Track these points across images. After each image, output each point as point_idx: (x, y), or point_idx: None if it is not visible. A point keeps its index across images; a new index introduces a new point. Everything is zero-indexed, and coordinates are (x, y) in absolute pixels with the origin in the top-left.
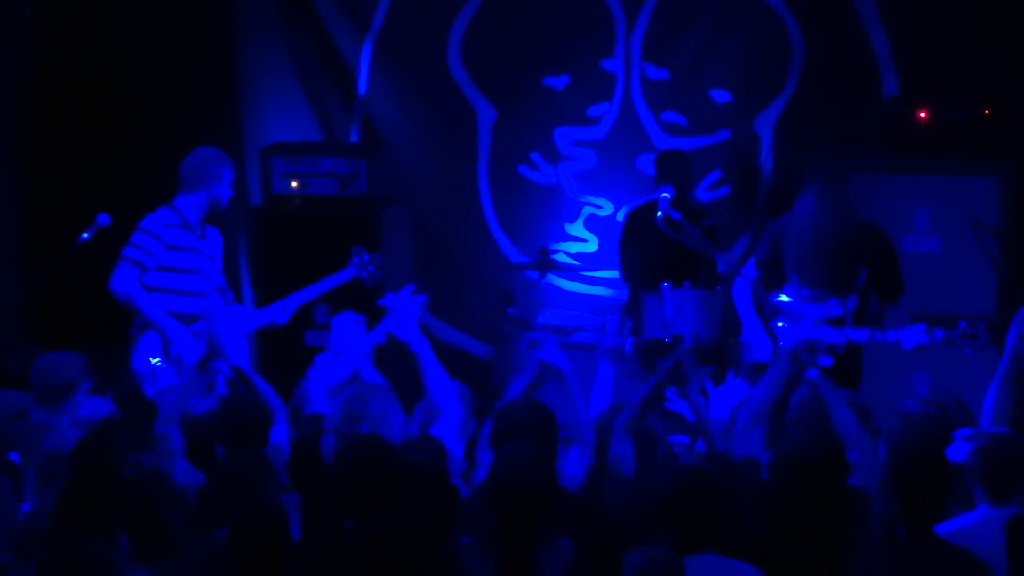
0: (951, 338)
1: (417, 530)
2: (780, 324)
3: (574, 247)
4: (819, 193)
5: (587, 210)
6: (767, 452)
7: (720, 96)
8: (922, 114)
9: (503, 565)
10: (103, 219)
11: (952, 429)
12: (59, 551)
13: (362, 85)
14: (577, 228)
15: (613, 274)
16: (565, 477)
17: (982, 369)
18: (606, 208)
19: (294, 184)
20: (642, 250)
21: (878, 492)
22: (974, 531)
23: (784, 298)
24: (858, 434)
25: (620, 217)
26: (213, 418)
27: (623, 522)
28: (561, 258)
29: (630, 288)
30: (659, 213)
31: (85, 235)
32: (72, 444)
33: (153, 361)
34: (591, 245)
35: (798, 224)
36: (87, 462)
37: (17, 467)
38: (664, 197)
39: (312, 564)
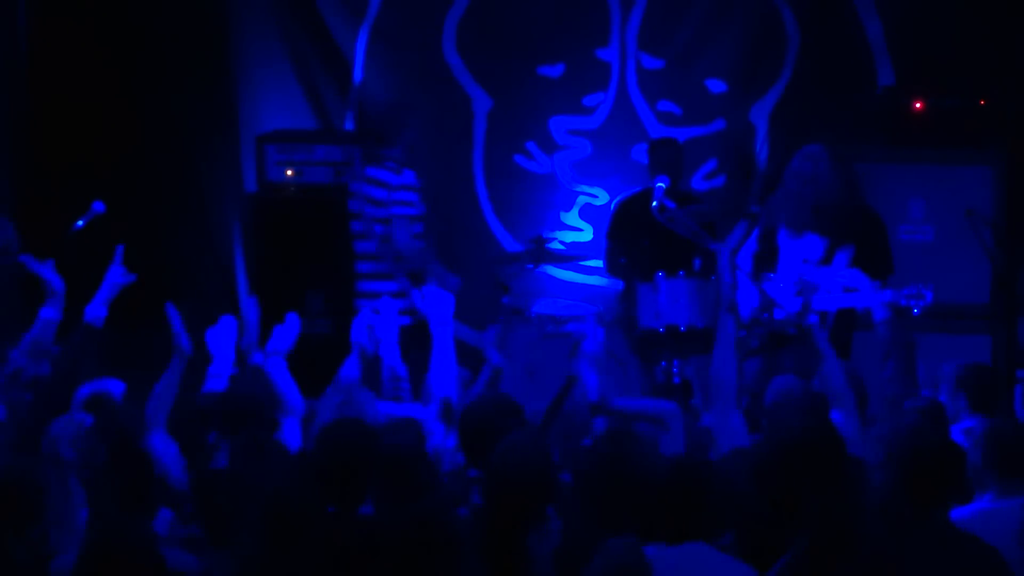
0: (897, 299)
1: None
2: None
3: (569, 236)
4: (822, 150)
5: (582, 199)
6: (751, 437)
7: (715, 86)
8: (917, 104)
9: (492, 547)
10: (98, 207)
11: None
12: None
13: (357, 73)
14: (572, 217)
15: None
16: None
17: (972, 355)
18: (601, 197)
19: (289, 172)
20: (631, 241)
21: (877, 463)
22: (980, 520)
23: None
24: (844, 390)
25: (612, 207)
26: (212, 406)
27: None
28: (556, 247)
29: (615, 278)
30: (654, 202)
31: (80, 223)
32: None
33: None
34: (586, 234)
35: (792, 177)
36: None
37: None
38: (659, 187)
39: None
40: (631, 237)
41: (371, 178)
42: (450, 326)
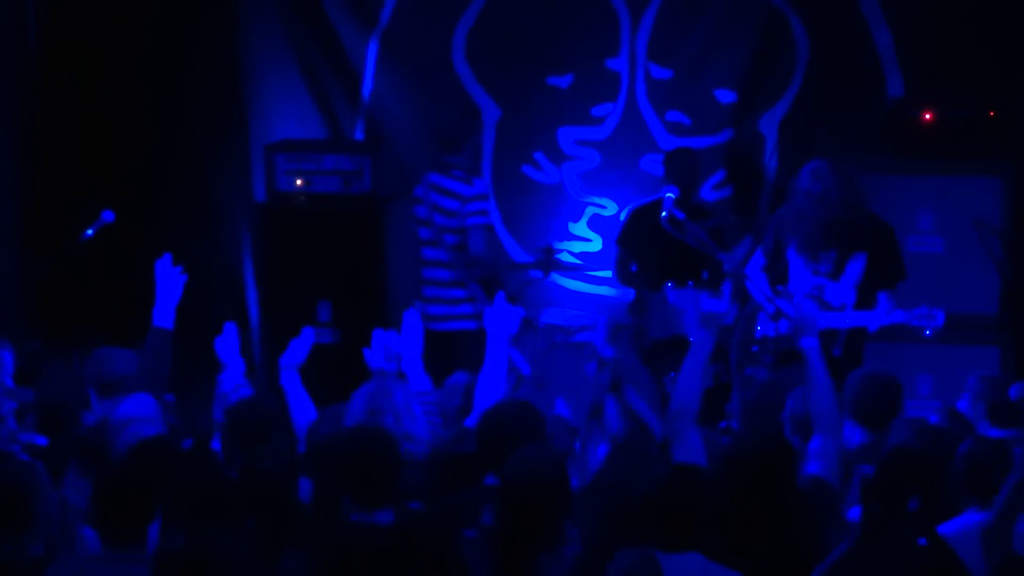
0: (909, 320)
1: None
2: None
3: (578, 246)
4: (829, 166)
5: (591, 210)
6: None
7: (724, 96)
8: (926, 115)
9: (501, 564)
10: (107, 216)
11: (956, 444)
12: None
13: (367, 82)
14: (581, 228)
15: None
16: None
17: (984, 369)
18: (610, 208)
19: (298, 181)
20: (641, 251)
21: (840, 484)
22: (960, 537)
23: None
24: (831, 416)
25: (622, 216)
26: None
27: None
28: (565, 257)
29: (625, 285)
30: (663, 213)
31: (89, 231)
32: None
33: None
34: (595, 245)
35: (801, 197)
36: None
37: (48, 451)
38: (668, 197)
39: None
40: (641, 247)
41: (438, 186)
42: (506, 344)
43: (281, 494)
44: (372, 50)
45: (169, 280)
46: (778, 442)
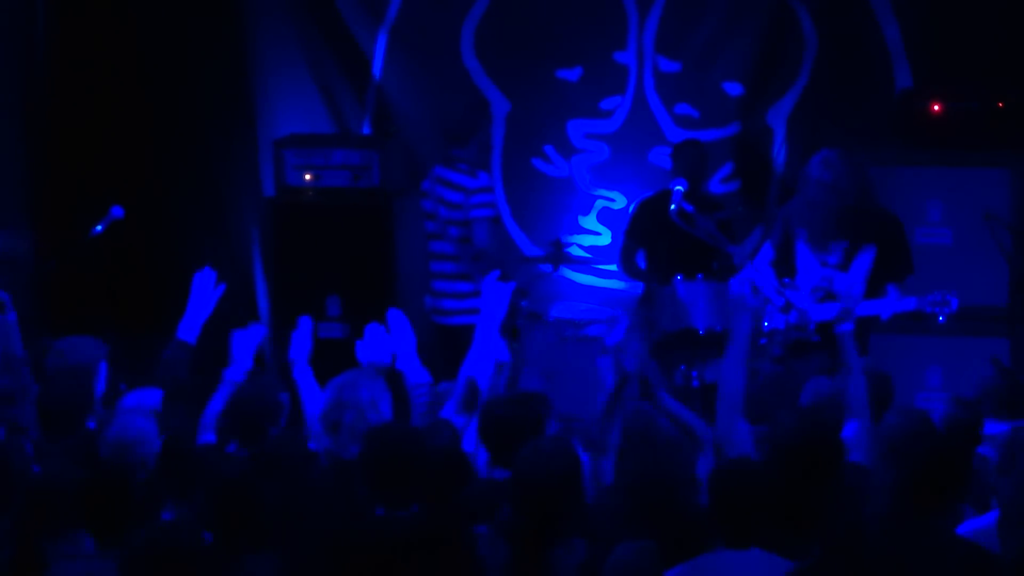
0: (922, 306)
1: (436, 515)
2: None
3: (587, 240)
4: (839, 155)
5: (600, 203)
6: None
7: (733, 89)
8: (935, 106)
9: (517, 557)
10: (117, 211)
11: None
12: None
13: (375, 77)
14: (590, 221)
15: None
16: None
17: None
18: (619, 201)
19: (307, 176)
20: (649, 243)
21: (874, 470)
22: (986, 531)
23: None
24: (864, 405)
25: (630, 209)
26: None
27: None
28: (574, 251)
29: (630, 278)
30: (672, 206)
31: (99, 227)
32: (136, 431)
33: None
34: (604, 238)
35: (812, 186)
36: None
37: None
38: (678, 190)
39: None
40: (649, 239)
41: (443, 179)
42: (497, 323)
43: (246, 493)
44: (380, 44)
45: (204, 295)
46: (825, 432)
